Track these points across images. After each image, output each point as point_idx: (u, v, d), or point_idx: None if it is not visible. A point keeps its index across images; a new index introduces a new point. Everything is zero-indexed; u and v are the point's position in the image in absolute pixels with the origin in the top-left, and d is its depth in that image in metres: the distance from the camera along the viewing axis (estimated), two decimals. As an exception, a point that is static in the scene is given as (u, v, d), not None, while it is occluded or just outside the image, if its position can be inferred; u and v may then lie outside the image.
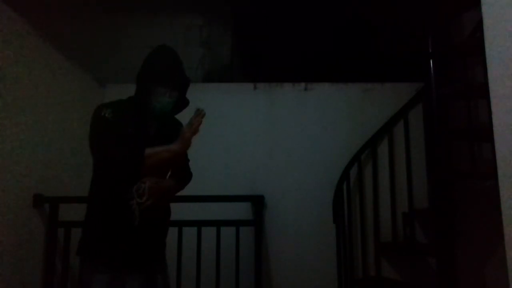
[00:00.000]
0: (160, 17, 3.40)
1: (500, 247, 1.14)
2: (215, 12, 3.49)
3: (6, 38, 1.90)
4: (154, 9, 3.37)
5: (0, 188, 1.85)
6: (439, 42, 2.42)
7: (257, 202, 2.56)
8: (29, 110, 2.07)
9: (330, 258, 2.60)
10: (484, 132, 2.19)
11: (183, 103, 1.61)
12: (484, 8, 1.17)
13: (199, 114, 1.48)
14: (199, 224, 2.29)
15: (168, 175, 1.65)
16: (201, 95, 2.90)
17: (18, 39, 1.98)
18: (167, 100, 1.50)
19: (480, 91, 1.88)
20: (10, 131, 1.92)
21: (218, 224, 2.31)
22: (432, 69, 2.37)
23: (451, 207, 2.26)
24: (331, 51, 3.39)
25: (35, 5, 2.17)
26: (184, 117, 1.66)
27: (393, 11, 3.14)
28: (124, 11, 3.33)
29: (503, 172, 1.06)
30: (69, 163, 2.44)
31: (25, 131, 2.03)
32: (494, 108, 1.11)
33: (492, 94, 1.12)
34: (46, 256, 2.15)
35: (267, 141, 2.89)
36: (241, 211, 2.69)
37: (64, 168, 2.39)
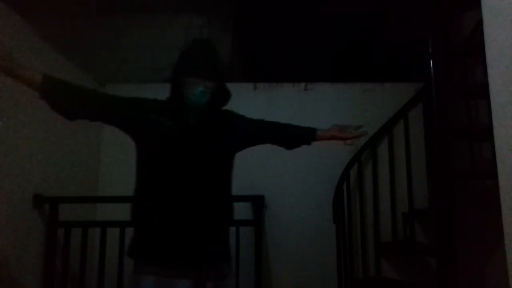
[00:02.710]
0: (160, 17, 3.40)
1: (500, 247, 1.14)
2: (215, 12, 3.49)
3: (6, 38, 1.90)
4: (154, 9, 3.37)
5: (0, 188, 1.85)
6: (439, 42, 2.42)
7: (257, 202, 2.56)
8: (29, 110, 2.06)
9: (330, 258, 2.60)
10: (484, 132, 2.19)
11: (224, 95, 1.53)
12: (484, 8, 1.17)
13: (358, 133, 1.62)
14: (199, 224, 2.29)
15: None
16: (201, 95, 2.90)
17: (18, 39, 1.98)
18: (201, 90, 1.41)
19: (480, 91, 1.88)
20: (9, 131, 1.92)
21: (218, 224, 2.31)
22: (432, 69, 2.37)
23: (451, 207, 2.26)
24: (331, 51, 3.39)
25: (34, 5, 2.17)
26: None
27: (393, 11, 3.14)
28: (124, 11, 3.33)
29: (503, 172, 1.06)
30: (69, 163, 2.44)
31: (24, 131, 2.03)
32: (494, 108, 1.11)
33: (492, 94, 1.12)
34: (46, 256, 2.15)
35: (267, 141, 2.88)
36: (241, 211, 2.68)
37: (64, 168, 2.39)
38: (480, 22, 1.30)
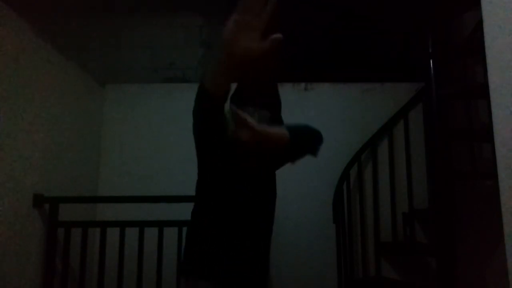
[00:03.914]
0: (160, 17, 3.40)
1: (500, 247, 1.14)
2: (215, 12, 3.49)
3: (6, 37, 1.90)
4: (154, 9, 3.37)
5: (0, 188, 1.85)
6: (439, 42, 2.42)
7: (257, 202, 2.56)
8: (29, 110, 2.06)
9: (330, 258, 2.60)
10: (484, 132, 2.19)
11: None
12: (484, 8, 1.17)
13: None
14: (199, 224, 2.28)
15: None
16: (201, 95, 2.90)
17: (18, 39, 1.98)
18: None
19: (480, 91, 1.88)
20: (9, 131, 1.92)
21: (218, 224, 2.31)
22: (432, 69, 2.37)
23: (451, 207, 2.26)
24: (331, 51, 3.39)
25: (35, 5, 2.17)
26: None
27: (393, 11, 3.14)
28: (124, 11, 3.33)
29: (503, 172, 1.06)
30: (69, 163, 2.44)
31: (25, 131, 2.03)
32: (494, 108, 1.11)
33: (492, 94, 1.12)
34: (46, 256, 2.15)
35: (267, 141, 2.88)
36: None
37: (64, 168, 2.39)
38: (480, 22, 1.30)
